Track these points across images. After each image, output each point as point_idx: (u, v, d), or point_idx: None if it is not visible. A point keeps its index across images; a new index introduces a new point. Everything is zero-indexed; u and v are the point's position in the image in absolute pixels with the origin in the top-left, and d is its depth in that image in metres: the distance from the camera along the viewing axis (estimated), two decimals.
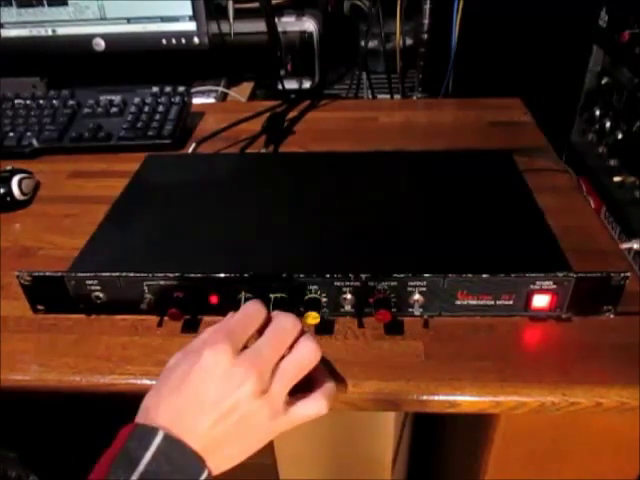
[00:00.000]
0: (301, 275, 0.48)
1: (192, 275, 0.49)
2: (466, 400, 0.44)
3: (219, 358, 0.37)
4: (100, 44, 0.98)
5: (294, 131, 0.86)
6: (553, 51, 1.10)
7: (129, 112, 0.85)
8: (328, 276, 0.48)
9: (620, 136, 0.90)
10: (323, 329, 0.50)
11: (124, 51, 0.98)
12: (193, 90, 1.00)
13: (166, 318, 0.50)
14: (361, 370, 0.46)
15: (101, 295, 0.51)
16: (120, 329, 0.51)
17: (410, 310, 0.50)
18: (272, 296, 0.49)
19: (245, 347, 0.39)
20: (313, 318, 0.48)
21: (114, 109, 0.85)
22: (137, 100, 0.86)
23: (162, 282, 0.49)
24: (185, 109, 0.86)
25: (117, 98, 0.86)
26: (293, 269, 0.49)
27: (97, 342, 0.50)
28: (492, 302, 0.49)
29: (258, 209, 0.60)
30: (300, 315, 0.48)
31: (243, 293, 0.49)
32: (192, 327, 0.51)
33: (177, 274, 0.49)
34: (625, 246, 0.63)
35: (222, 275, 0.49)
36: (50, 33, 0.97)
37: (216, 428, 0.37)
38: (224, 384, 0.37)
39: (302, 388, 0.41)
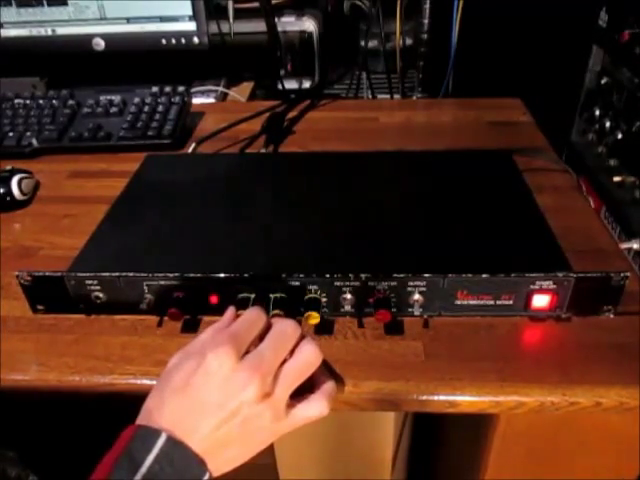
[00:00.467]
0: (301, 275, 0.48)
1: (192, 275, 0.49)
2: (466, 400, 0.44)
3: (223, 361, 0.37)
4: (100, 44, 0.98)
5: (294, 131, 0.86)
6: (553, 51, 1.10)
7: (129, 112, 0.85)
8: (328, 276, 0.48)
9: (620, 136, 0.90)
10: (323, 329, 0.50)
11: (124, 51, 0.98)
12: (193, 90, 1.00)
13: (166, 318, 0.50)
14: (361, 370, 0.46)
15: (101, 295, 0.51)
16: (120, 329, 0.51)
17: (410, 310, 0.50)
18: (272, 296, 0.49)
19: (247, 352, 0.39)
20: (313, 318, 0.48)
21: (114, 109, 0.85)
22: (137, 100, 0.86)
23: (162, 282, 0.49)
24: (185, 109, 0.86)
25: (117, 98, 0.86)
26: (293, 269, 0.49)
27: (97, 342, 0.50)
28: (492, 302, 0.49)
29: (258, 209, 0.60)
30: (300, 315, 0.48)
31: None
32: (192, 327, 0.51)
33: (177, 274, 0.49)
34: (625, 246, 0.63)
35: (222, 275, 0.49)
36: (50, 33, 0.97)
37: (218, 431, 0.37)
38: (227, 387, 0.37)
39: (303, 389, 0.41)
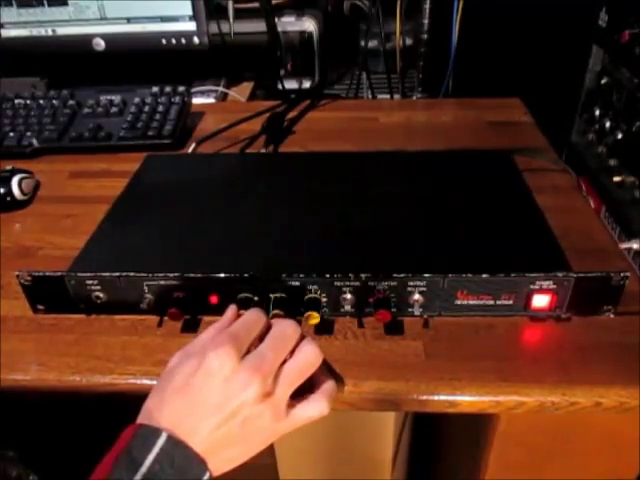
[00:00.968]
0: (301, 275, 0.48)
1: (192, 275, 0.49)
2: (466, 400, 0.44)
3: (223, 361, 0.38)
4: (100, 44, 0.98)
5: (294, 131, 0.86)
6: (553, 51, 1.10)
7: (129, 112, 0.85)
8: (328, 276, 0.48)
9: (620, 136, 0.90)
10: (323, 329, 0.50)
11: (124, 51, 0.98)
12: (193, 90, 1.00)
13: (166, 318, 0.50)
14: (361, 370, 0.46)
15: (101, 295, 0.51)
16: (120, 329, 0.51)
17: (410, 310, 0.50)
18: (272, 296, 0.49)
19: (247, 352, 0.39)
20: (313, 318, 0.48)
21: (114, 109, 0.85)
22: (137, 100, 0.86)
23: (162, 282, 0.49)
24: (185, 109, 0.86)
25: (117, 98, 0.86)
26: (293, 269, 0.49)
27: (97, 342, 0.50)
28: (492, 302, 0.49)
29: (258, 209, 0.60)
30: (300, 315, 0.48)
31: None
32: (192, 327, 0.51)
33: (177, 274, 0.49)
34: (625, 246, 0.64)
35: (222, 275, 0.49)
36: (50, 33, 0.97)
37: (219, 431, 0.37)
38: (228, 387, 0.37)
39: (303, 389, 0.41)
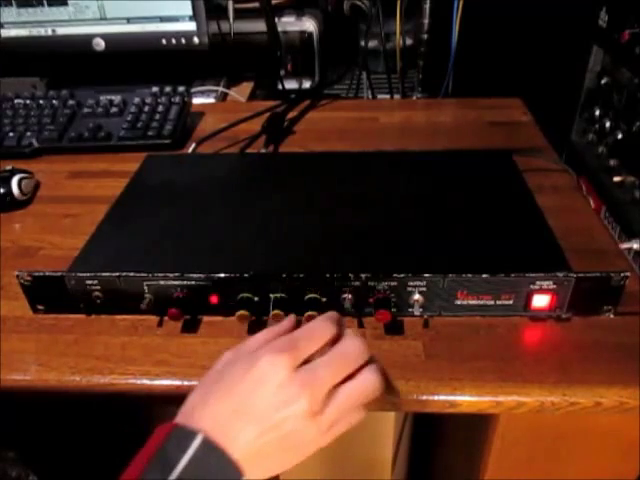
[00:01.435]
0: (301, 275, 0.48)
1: (192, 275, 0.49)
2: (466, 400, 0.44)
3: (277, 369, 0.36)
4: (100, 44, 0.98)
5: (294, 131, 0.86)
6: (553, 51, 1.10)
7: (129, 112, 0.85)
8: (328, 276, 0.48)
9: (620, 136, 0.90)
10: None
11: (124, 51, 0.98)
12: (193, 90, 1.00)
13: (166, 318, 0.50)
14: None
15: (101, 295, 0.51)
16: (120, 329, 0.51)
17: (410, 310, 0.50)
18: (272, 296, 0.49)
19: (305, 361, 0.38)
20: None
21: (114, 109, 0.85)
22: (137, 100, 0.86)
23: (162, 282, 0.49)
24: (185, 109, 0.86)
25: (117, 98, 0.86)
26: (293, 269, 0.49)
27: (97, 342, 0.50)
28: (492, 302, 0.49)
29: (258, 209, 0.60)
30: (300, 315, 0.48)
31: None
32: (192, 327, 0.51)
33: (177, 274, 0.49)
34: (625, 246, 0.63)
35: (222, 275, 0.49)
36: (50, 33, 0.97)
37: (259, 440, 0.35)
38: (276, 398, 0.36)
39: None
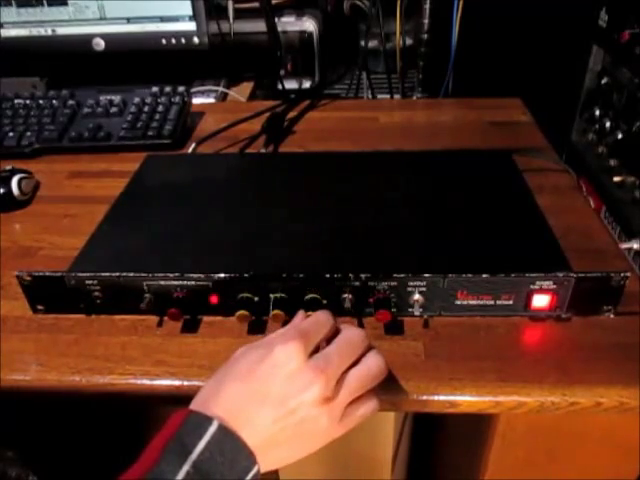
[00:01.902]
0: (301, 275, 0.48)
1: (192, 275, 0.49)
2: (466, 400, 0.44)
3: (291, 356, 0.37)
4: (100, 44, 0.98)
5: (294, 131, 0.86)
6: (553, 51, 1.10)
7: (129, 112, 0.85)
8: (328, 276, 0.48)
9: (620, 136, 0.90)
10: None
11: (124, 51, 0.98)
12: (193, 90, 1.00)
13: (166, 318, 0.50)
14: None
15: (101, 295, 0.51)
16: (120, 329, 0.51)
17: (410, 310, 0.50)
18: (272, 296, 0.49)
19: (314, 352, 0.39)
20: None
21: (114, 109, 0.85)
22: (137, 100, 0.86)
23: (162, 282, 0.49)
24: (185, 109, 0.86)
25: (117, 98, 0.86)
26: (293, 269, 0.49)
27: (97, 342, 0.50)
28: (492, 302, 0.49)
29: (258, 209, 0.60)
30: None
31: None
32: (192, 327, 0.51)
33: (177, 274, 0.49)
34: (625, 246, 0.64)
35: (222, 275, 0.49)
36: (50, 33, 0.97)
37: (274, 427, 0.36)
38: (291, 384, 0.36)
39: None
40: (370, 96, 1.20)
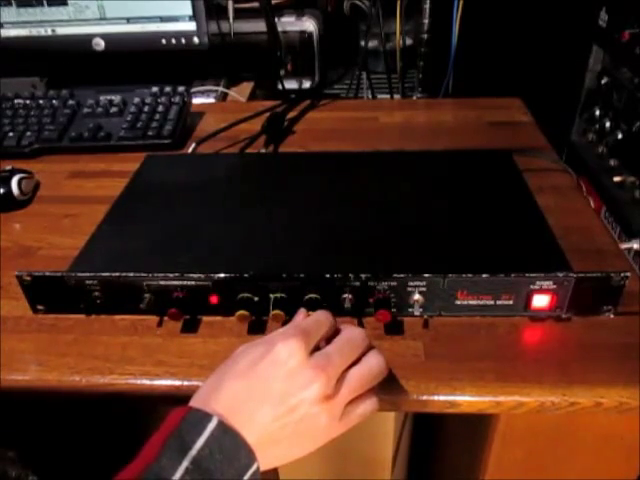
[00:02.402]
0: (301, 275, 0.48)
1: (192, 275, 0.49)
2: (466, 400, 0.44)
3: (292, 353, 0.37)
4: (100, 44, 0.98)
5: (294, 131, 0.86)
6: (553, 51, 1.10)
7: (129, 112, 0.85)
8: (328, 276, 0.48)
9: (620, 136, 0.90)
10: None
11: (124, 51, 0.98)
12: (193, 90, 1.00)
13: (166, 318, 0.50)
14: None
15: (101, 295, 0.51)
16: (120, 329, 0.51)
17: (410, 310, 0.50)
18: (272, 296, 0.49)
19: (314, 350, 0.39)
20: None
21: (114, 109, 0.85)
22: (137, 100, 0.86)
23: (162, 282, 0.49)
24: (185, 109, 0.85)
25: (117, 98, 0.86)
26: (293, 269, 0.49)
27: (97, 342, 0.50)
28: (492, 302, 0.49)
29: (258, 209, 0.60)
30: None
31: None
32: (192, 327, 0.51)
33: (177, 274, 0.49)
34: (625, 246, 0.63)
35: (222, 275, 0.49)
36: (50, 33, 0.97)
37: (274, 424, 0.36)
38: (292, 381, 0.36)
39: None
40: (370, 96, 1.20)
